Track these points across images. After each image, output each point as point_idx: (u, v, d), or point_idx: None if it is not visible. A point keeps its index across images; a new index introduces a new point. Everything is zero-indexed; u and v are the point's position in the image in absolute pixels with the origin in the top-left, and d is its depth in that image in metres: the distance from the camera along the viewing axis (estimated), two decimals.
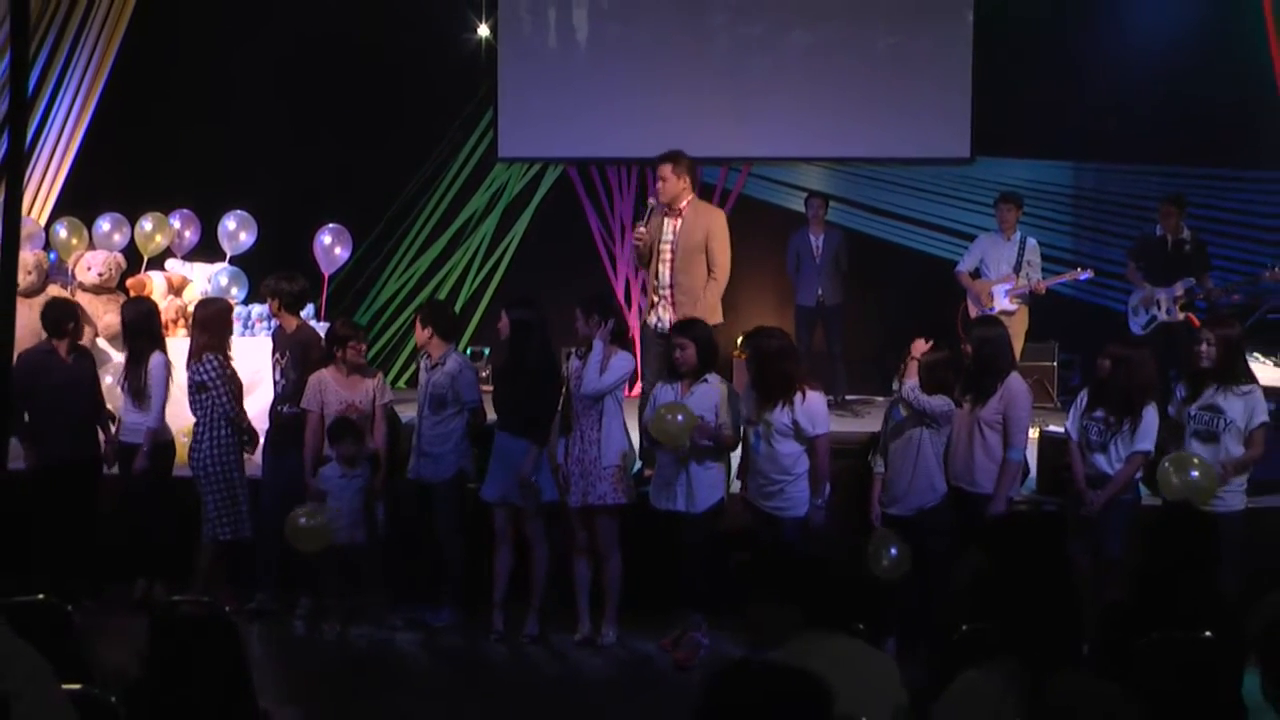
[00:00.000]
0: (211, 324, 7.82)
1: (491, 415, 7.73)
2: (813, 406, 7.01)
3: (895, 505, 7.06)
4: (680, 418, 6.91)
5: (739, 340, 11.22)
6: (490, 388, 7.82)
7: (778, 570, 3.96)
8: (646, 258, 8.15)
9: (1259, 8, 10.36)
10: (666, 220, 8.11)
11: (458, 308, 12.23)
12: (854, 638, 3.99)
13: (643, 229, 8.11)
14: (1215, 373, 7.01)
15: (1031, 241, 10.22)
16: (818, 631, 3.82)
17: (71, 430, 7.86)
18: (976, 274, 10.23)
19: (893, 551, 6.79)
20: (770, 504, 7.04)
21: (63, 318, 7.93)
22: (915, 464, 6.99)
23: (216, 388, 7.64)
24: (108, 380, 8.57)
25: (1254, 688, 3.63)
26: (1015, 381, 7.09)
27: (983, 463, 7.02)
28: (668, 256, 8.06)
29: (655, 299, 8.15)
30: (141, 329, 7.93)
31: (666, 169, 8.11)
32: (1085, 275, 10.30)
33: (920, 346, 7.02)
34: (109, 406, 8.15)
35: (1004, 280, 10.06)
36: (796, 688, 2.74)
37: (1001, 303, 10.00)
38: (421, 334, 7.67)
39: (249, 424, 7.82)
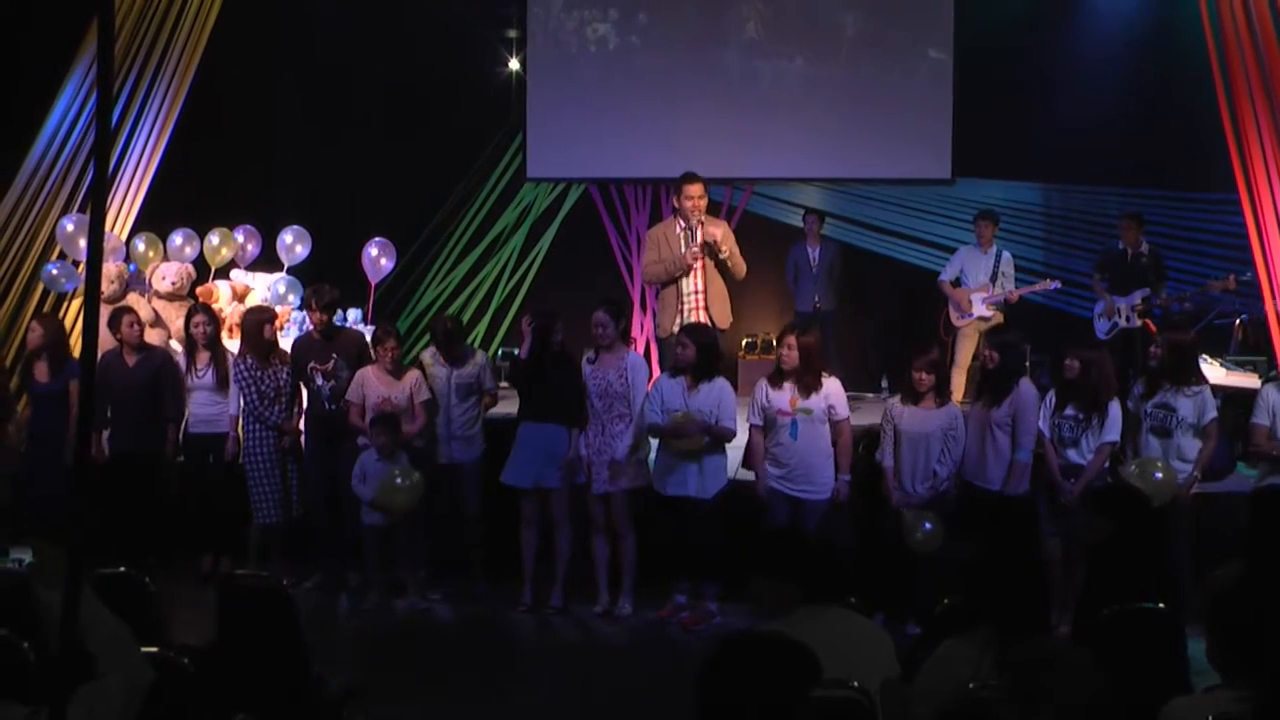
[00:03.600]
0: (244, 331, 7.91)
1: (505, 409, 7.80)
2: (839, 392, 7.17)
3: (905, 496, 7.06)
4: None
5: (743, 342, 11.25)
6: (505, 383, 7.91)
7: (779, 549, 3.97)
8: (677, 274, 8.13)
9: (1204, 47, 10.38)
10: (685, 235, 8.10)
11: (489, 314, 12.33)
12: (851, 611, 4.00)
13: (697, 249, 8.04)
14: (1167, 373, 6.99)
15: (1006, 255, 10.21)
16: (818, 605, 3.84)
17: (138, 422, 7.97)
18: (957, 283, 10.22)
19: (927, 526, 6.79)
20: (798, 488, 7.07)
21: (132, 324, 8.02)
22: (926, 464, 7.02)
23: (238, 386, 7.71)
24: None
25: (1199, 653, 3.64)
26: (1026, 387, 7.03)
27: (992, 462, 6.98)
28: (698, 267, 8.07)
29: (682, 307, 8.08)
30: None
31: (700, 188, 8.11)
32: (1054, 285, 10.30)
33: None
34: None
35: (981, 289, 10.04)
36: (787, 656, 2.75)
37: (979, 309, 9.99)
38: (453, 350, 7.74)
39: (279, 420, 7.77)
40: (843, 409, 7.18)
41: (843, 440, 7.16)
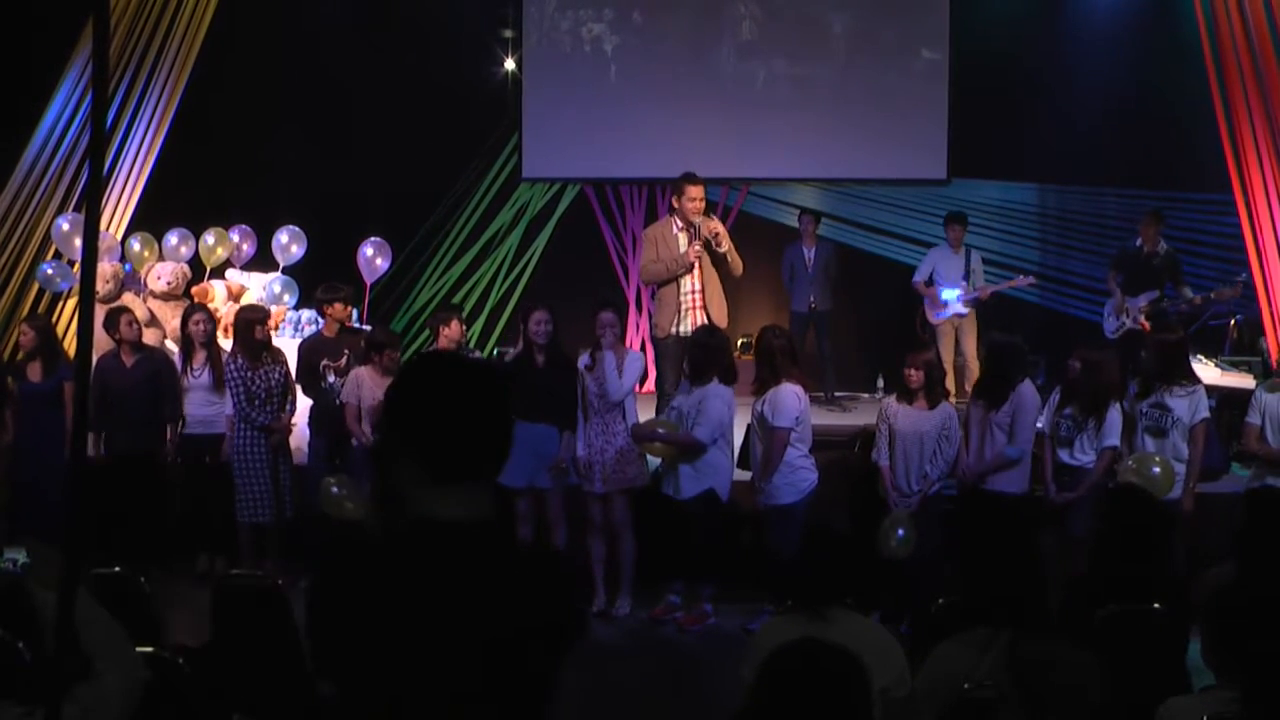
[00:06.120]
0: (236, 330, 7.90)
1: None
2: (779, 398, 6.93)
3: (901, 498, 7.04)
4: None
5: (739, 343, 11.25)
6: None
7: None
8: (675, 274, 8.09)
9: (1199, 47, 10.41)
10: (683, 235, 8.09)
11: (485, 312, 12.30)
12: (855, 613, 4.00)
13: (699, 247, 8.00)
14: (1160, 374, 6.98)
15: (975, 255, 10.29)
16: (822, 607, 3.85)
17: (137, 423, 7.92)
18: (930, 282, 10.26)
19: (900, 533, 6.74)
20: (759, 492, 7.07)
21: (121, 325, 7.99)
22: (920, 463, 7.00)
23: (228, 385, 7.70)
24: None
25: (1195, 654, 3.64)
26: (1027, 388, 6.98)
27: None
28: (696, 267, 8.05)
29: (680, 306, 8.05)
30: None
31: (701, 190, 8.09)
32: (1029, 281, 10.33)
33: None
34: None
35: (957, 288, 10.12)
36: (845, 668, 2.74)
37: (955, 307, 10.08)
38: (461, 330, 7.69)
39: (267, 421, 7.72)
40: (773, 417, 6.95)
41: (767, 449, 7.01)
